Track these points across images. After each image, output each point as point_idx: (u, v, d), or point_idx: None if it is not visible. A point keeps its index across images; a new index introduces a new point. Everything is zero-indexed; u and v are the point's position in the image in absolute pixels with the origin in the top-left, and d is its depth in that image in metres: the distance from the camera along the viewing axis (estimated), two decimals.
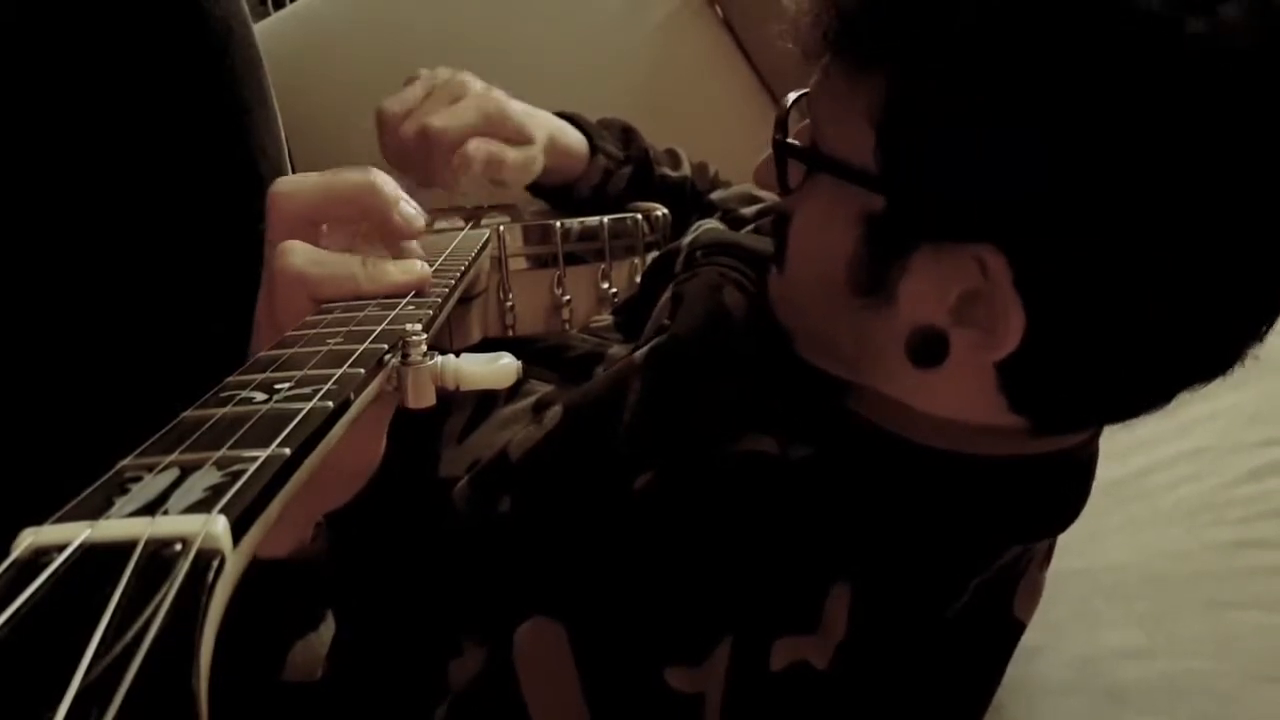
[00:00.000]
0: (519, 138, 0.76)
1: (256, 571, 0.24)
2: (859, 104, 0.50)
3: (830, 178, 0.53)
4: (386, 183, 0.47)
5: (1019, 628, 0.59)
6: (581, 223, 0.79)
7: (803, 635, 0.51)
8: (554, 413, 0.59)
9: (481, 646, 0.54)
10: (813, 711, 0.51)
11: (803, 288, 0.58)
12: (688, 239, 0.72)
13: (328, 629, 0.54)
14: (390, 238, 0.49)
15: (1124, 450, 0.57)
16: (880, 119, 0.49)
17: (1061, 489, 0.58)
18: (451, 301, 0.50)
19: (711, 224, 0.77)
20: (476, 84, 0.76)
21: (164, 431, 0.27)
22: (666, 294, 0.67)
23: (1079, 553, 0.59)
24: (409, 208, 0.48)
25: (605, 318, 0.80)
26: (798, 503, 0.55)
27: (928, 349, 0.51)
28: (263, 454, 0.25)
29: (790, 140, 0.56)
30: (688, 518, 0.55)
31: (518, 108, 0.77)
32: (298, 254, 0.45)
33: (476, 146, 0.73)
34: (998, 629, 0.58)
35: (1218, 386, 0.51)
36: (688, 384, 0.59)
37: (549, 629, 0.52)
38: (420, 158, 0.73)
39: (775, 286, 0.61)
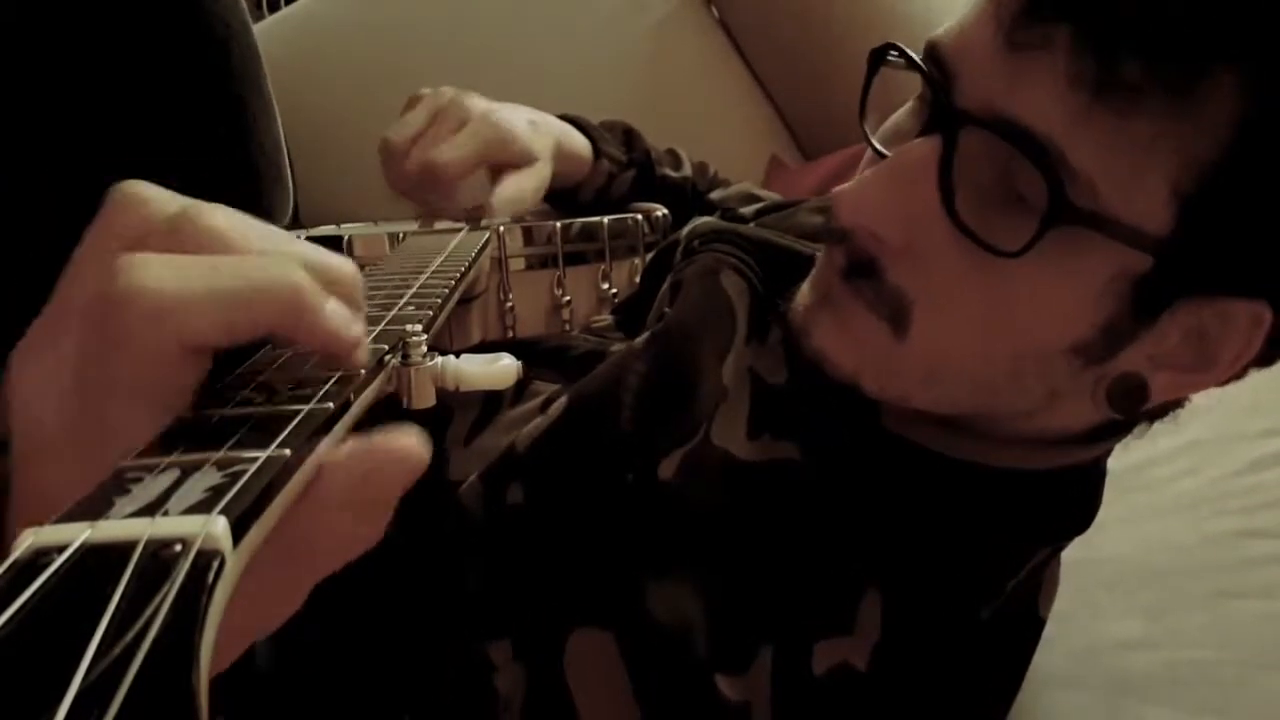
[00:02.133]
0: (523, 159, 0.75)
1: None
2: (1156, 160, 0.44)
3: (1085, 238, 0.45)
4: (308, 287, 0.29)
5: (1041, 624, 0.59)
6: (582, 223, 0.78)
7: (841, 637, 0.52)
8: (559, 403, 0.59)
9: (517, 661, 0.53)
10: (857, 713, 0.51)
11: (981, 356, 0.50)
12: (684, 231, 0.72)
13: None
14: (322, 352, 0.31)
15: (1124, 442, 0.57)
16: (1194, 180, 0.44)
17: (1088, 492, 0.59)
18: (451, 302, 0.50)
19: (706, 217, 0.77)
20: (479, 105, 0.74)
21: (164, 431, 0.27)
22: (666, 283, 0.67)
23: (1081, 545, 0.59)
24: (339, 309, 0.30)
25: (606, 318, 0.80)
26: (826, 512, 0.55)
27: (1130, 396, 0.50)
28: (263, 455, 0.25)
29: (1078, 202, 0.44)
30: (715, 521, 0.55)
31: (522, 122, 0.76)
32: (149, 266, 0.27)
33: (501, 203, 0.72)
34: (1025, 627, 0.59)
35: None
36: (687, 366, 0.59)
37: (597, 639, 0.52)
38: (426, 191, 0.72)
39: (898, 356, 0.52)
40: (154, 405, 0.27)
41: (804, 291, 0.56)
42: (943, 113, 0.48)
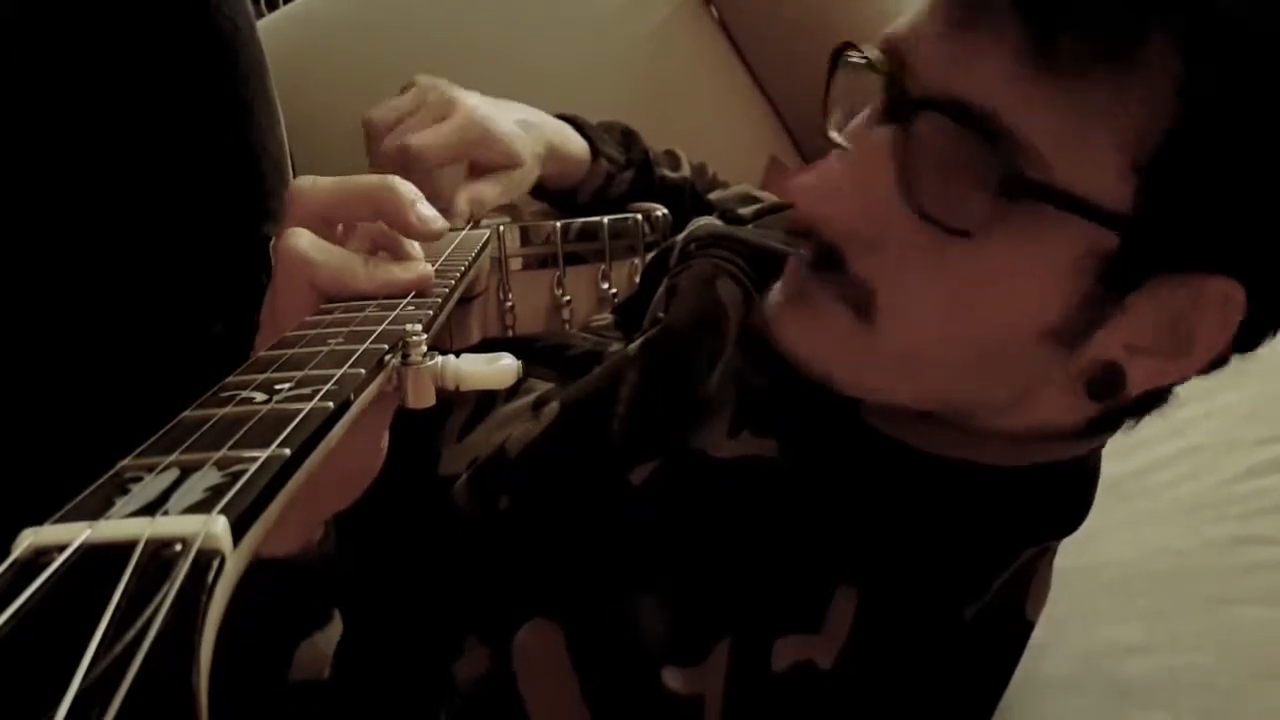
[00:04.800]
0: (505, 160, 0.75)
1: (262, 571, 0.24)
2: (1106, 132, 0.43)
3: (1044, 214, 0.44)
4: (403, 184, 0.47)
5: (1029, 628, 0.59)
6: (582, 223, 0.78)
7: (806, 635, 0.51)
8: (551, 408, 0.59)
9: (485, 646, 0.54)
10: (818, 712, 0.51)
11: (951, 343, 0.50)
12: (682, 235, 0.72)
13: (335, 628, 0.53)
14: (408, 237, 0.48)
15: (1123, 449, 0.57)
16: (1148, 150, 0.43)
17: (1077, 492, 0.58)
18: (452, 302, 0.50)
19: (706, 219, 0.76)
20: (468, 100, 0.75)
21: (164, 431, 0.27)
22: (661, 288, 0.67)
23: (1080, 550, 0.59)
24: (426, 209, 0.47)
25: (605, 317, 0.80)
26: (801, 509, 0.55)
27: (1107, 384, 0.49)
28: (263, 454, 0.25)
29: (1030, 175, 0.44)
30: (685, 517, 0.55)
31: (509, 123, 0.76)
32: (303, 238, 0.44)
33: (463, 202, 0.72)
34: (1011, 629, 0.58)
35: (1216, 385, 0.51)
36: (681, 374, 0.59)
37: (547, 630, 0.52)
38: (400, 174, 0.72)
39: (867, 347, 0.51)
40: (297, 315, 0.43)
41: (775, 290, 0.56)
42: (897, 100, 0.48)
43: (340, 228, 0.49)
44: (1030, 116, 0.44)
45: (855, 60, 0.53)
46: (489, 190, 0.74)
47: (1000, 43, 0.44)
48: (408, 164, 0.71)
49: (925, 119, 0.46)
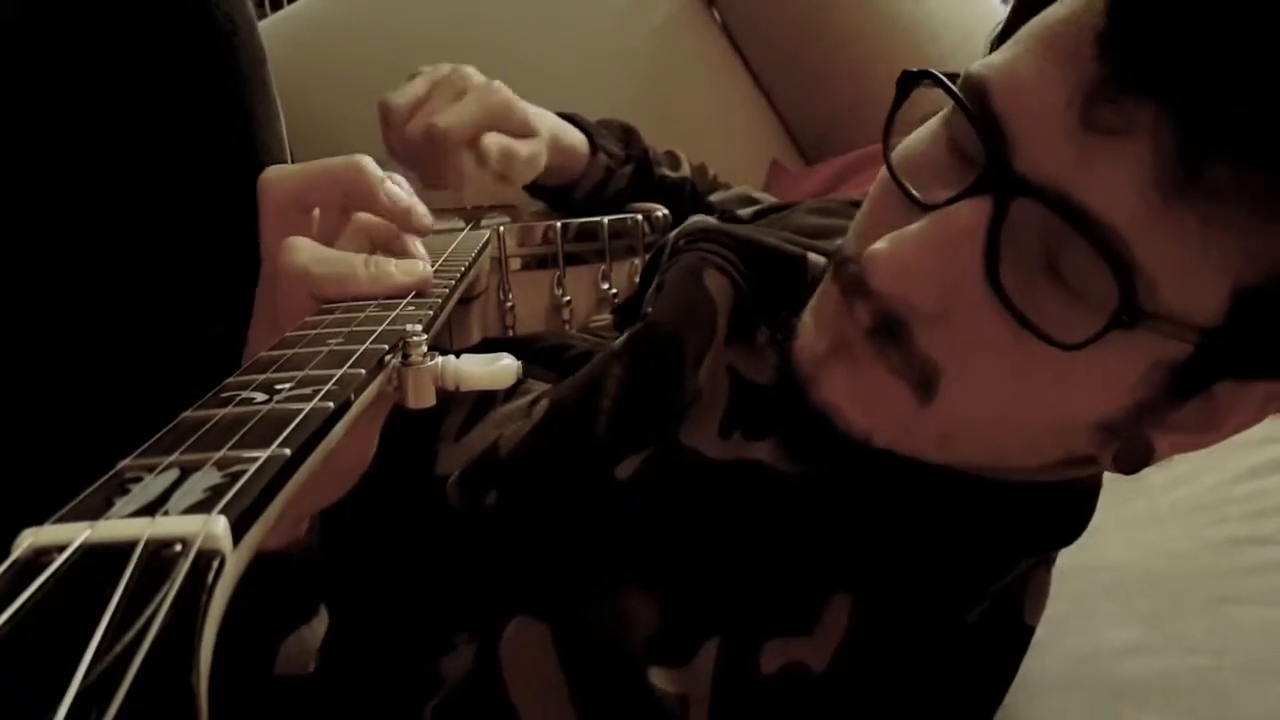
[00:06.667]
0: (524, 130, 0.76)
1: (249, 565, 0.24)
2: (1222, 259, 0.41)
3: (1138, 333, 0.43)
4: (370, 164, 0.47)
5: (1029, 632, 0.59)
6: (582, 223, 0.78)
7: (797, 638, 0.51)
8: (541, 406, 0.59)
9: (473, 643, 0.54)
10: (808, 716, 0.51)
11: (1007, 426, 0.50)
12: (675, 231, 0.72)
13: (320, 622, 0.54)
14: (377, 215, 0.49)
15: None
16: (1253, 275, 0.41)
17: (1081, 504, 0.58)
18: (452, 302, 0.50)
19: (701, 217, 0.76)
20: (478, 77, 0.76)
21: (164, 431, 0.27)
22: (652, 285, 0.66)
23: (1078, 551, 0.59)
24: (395, 188, 0.48)
25: (605, 317, 0.80)
26: (797, 515, 0.55)
27: (1137, 458, 0.50)
28: (263, 454, 0.25)
29: (1144, 305, 0.42)
30: (673, 512, 0.55)
31: (522, 101, 0.77)
32: (302, 251, 0.45)
33: (491, 140, 0.73)
34: (1010, 635, 0.58)
35: None
36: (665, 368, 0.59)
37: (534, 628, 0.52)
38: (427, 157, 0.73)
39: (918, 419, 0.50)
40: (292, 320, 0.42)
41: (809, 330, 0.53)
42: (997, 176, 0.44)
43: (316, 211, 0.49)
44: (1154, 242, 0.41)
45: (930, 89, 0.48)
46: (521, 147, 0.75)
47: (1136, 155, 0.40)
48: (434, 144, 0.71)
49: (1027, 206, 0.43)
